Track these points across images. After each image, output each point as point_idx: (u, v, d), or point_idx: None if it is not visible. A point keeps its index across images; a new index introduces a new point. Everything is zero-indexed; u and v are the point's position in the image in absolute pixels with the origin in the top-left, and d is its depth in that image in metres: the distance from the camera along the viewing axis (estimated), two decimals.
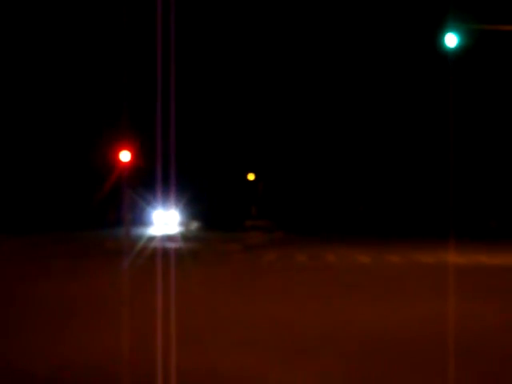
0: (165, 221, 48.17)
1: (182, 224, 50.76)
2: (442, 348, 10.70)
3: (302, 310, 14.72)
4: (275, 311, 14.39)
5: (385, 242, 43.19)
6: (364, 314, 14.16)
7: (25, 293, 16.51)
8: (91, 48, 56.19)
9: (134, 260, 25.55)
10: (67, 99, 56.61)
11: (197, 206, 57.48)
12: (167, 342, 10.63)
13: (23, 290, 16.96)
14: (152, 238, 37.13)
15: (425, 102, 61.10)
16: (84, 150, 55.18)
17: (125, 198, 37.68)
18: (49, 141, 55.77)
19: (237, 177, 64.38)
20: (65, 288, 17.63)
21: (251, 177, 62.76)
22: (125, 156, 35.33)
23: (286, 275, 22.06)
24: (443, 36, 25.78)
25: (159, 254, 29.32)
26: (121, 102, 48.88)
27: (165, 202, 46.90)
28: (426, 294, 17.51)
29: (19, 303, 15.01)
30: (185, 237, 39.44)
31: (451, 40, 25.18)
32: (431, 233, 49.02)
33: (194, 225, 49.14)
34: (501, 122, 59.51)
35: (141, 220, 47.07)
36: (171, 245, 33.48)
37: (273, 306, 15.20)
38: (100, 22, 55.89)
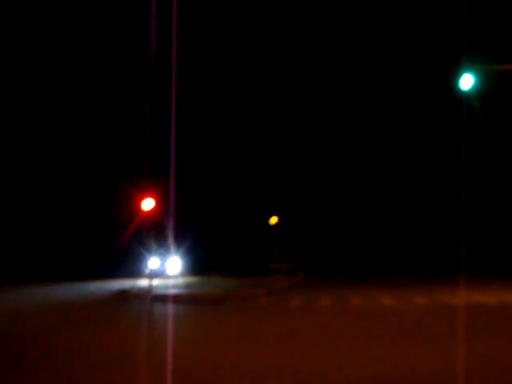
0: (173, 269, 46.56)
1: (192, 272, 49.13)
2: None
3: (330, 360, 14.74)
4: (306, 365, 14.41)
5: (409, 282, 42.98)
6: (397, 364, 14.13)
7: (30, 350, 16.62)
8: (109, 93, 56.54)
9: (151, 309, 25.60)
10: (87, 146, 56.99)
11: (217, 251, 57.38)
12: None
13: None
14: (163, 287, 37.07)
15: (441, 144, 61.17)
16: (103, 199, 55.37)
17: (147, 248, 37.81)
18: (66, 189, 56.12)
19: (259, 220, 64.46)
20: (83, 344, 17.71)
21: (274, 220, 62.87)
22: (148, 204, 35.29)
23: (312, 320, 22.02)
24: (458, 77, 25.92)
25: (180, 300, 29.37)
26: (140, 151, 49.09)
27: (180, 249, 46.03)
28: (459, 337, 17.38)
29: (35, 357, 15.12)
30: (199, 284, 38.96)
31: (466, 81, 25.31)
32: (454, 271, 48.75)
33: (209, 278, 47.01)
34: None
35: (159, 269, 46.33)
36: (191, 291, 33.47)
37: (303, 357, 15.21)
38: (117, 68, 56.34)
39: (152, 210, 34.84)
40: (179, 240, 45.44)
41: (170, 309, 26.38)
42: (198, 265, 53.16)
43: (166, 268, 44.69)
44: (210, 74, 60.01)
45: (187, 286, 37.56)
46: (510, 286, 37.64)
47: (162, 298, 30.45)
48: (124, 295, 32.50)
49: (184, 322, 22.24)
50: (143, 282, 37.56)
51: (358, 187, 67.21)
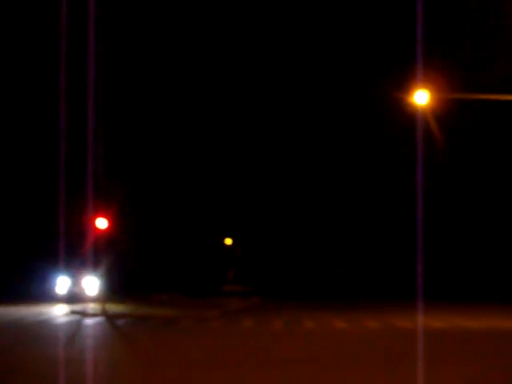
0: (92, 290, 42.37)
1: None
2: None
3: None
4: None
5: (363, 306, 43.00)
6: None
7: None
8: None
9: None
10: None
11: (169, 272, 56.60)
12: None
13: None
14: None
15: (395, 164, 61.21)
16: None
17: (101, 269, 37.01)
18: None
19: (214, 241, 64.11)
20: None
21: (228, 241, 62.66)
22: (101, 223, 34.60)
23: (264, 343, 21.86)
24: (414, 93, 26.14)
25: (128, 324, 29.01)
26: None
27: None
28: (404, 361, 17.38)
29: None
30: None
31: (421, 98, 25.52)
32: (410, 295, 49.02)
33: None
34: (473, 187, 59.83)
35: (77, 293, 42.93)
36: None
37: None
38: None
39: (108, 229, 34.23)
40: (118, 260, 44.24)
41: (121, 330, 26.01)
42: (148, 285, 52.20)
43: (85, 289, 41.67)
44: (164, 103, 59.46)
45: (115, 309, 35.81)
46: (464, 310, 37.90)
47: (111, 319, 30.04)
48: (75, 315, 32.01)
49: (133, 343, 21.92)
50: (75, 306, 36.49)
51: (314, 210, 67.25)
